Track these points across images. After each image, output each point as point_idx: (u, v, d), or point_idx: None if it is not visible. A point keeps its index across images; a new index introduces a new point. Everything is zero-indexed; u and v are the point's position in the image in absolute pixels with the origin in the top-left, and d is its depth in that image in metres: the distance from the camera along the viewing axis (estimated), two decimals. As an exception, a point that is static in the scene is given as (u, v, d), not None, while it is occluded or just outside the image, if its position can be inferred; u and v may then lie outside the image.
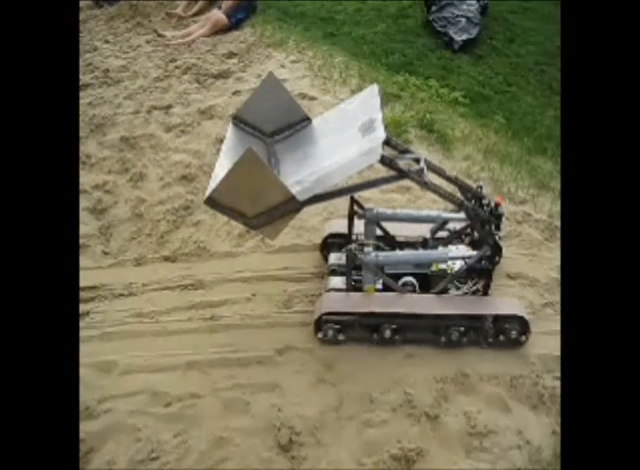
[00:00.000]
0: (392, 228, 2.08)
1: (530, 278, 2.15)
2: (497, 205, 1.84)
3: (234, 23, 4.57)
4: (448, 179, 1.88)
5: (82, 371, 1.83)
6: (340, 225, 2.09)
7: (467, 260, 1.85)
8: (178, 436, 1.61)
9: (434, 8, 4.83)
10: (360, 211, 1.97)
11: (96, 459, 1.58)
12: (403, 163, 1.73)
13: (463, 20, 4.66)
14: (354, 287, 1.90)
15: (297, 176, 1.66)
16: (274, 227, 1.66)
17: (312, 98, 3.40)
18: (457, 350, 1.85)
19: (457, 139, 3.07)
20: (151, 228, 2.41)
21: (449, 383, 1.75)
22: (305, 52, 4.04)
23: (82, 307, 2.06)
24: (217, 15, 4.56)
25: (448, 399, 1.71)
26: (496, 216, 1.84)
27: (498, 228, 1.87)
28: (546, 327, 1.93)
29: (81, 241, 2.36)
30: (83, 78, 3.84)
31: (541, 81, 4.25)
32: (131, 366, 1.83)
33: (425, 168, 1.72)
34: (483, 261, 1.86)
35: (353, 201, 1.97)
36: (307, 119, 1.89)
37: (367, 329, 1.83)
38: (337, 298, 1.87)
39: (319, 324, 1.82)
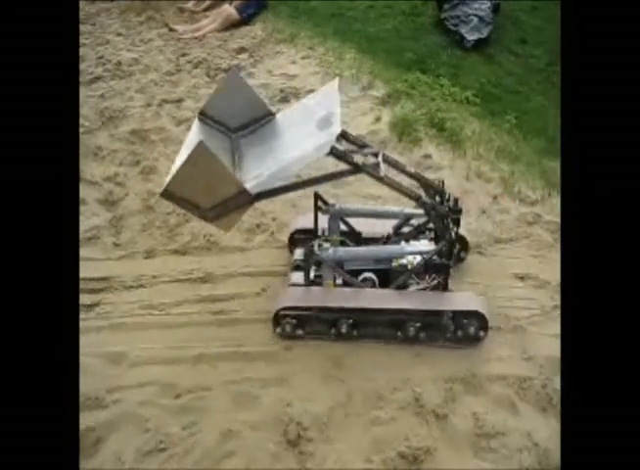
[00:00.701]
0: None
1: (540, 280, 2.14)
2: (457, 200, 1.84)
3: (245, 19, 4.57)
4: (408, 174, 1.88)
5: (92, 361, 1.84)
6: (307, 221, 2.09)
7: (424, 256, 1.86)
8: (187, 428, 1.62)
9: (446, 6, 4.79)
10: (324, 206, 1.97)
11: (104, 449, 1.59)
12: (361, 157, 1.75)
13: (475, 19, 4.63)
14: (317, 282, 1.89)
15: (258, 171, 1.69)
16: (229, 220, 1.69)
17: (323, 94, 3.39)
18: (466, 350, 1.84)
19: (468, 138, 3.05)
20: (161, 221, 2.41)
21: (458, 383, 1.75)
22: (316, 48, 4.03)
23: (92, 298, 2.07)
24: (228, 10, 4.56)
25: (456, 399, 1.71)
26: (455, 212, 1.84)
27: (458, 223, 1.86)
28: (555, 329, 1.92)
29: (92, 232, 2.37)
30: (95, 71, 3.84)
31: (553, 82, 4.22)
32: (141, 357, 1.84)
33: (381, 163, 1.73)
34: (442, 257, 1.85)
35: (317, 197, 1.97)
36: (271, 114, 1.91)
37: (324, 324, 1.83)
38: (294, 293, 1.88)
39: (277, 319, 1.83)
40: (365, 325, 1.83)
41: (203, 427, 1.62)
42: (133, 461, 1.55)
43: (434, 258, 1.86)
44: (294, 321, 1.82)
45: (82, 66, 3.96)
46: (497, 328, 1.93)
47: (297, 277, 1.93)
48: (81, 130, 3.12)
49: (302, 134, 1.74)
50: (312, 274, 1.89)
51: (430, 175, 2.75)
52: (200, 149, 1.52)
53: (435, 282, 1.88)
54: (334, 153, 1.65)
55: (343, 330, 1.81)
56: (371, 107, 3.28)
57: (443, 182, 1.93)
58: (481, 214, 2.48)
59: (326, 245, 1.91)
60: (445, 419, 1.65)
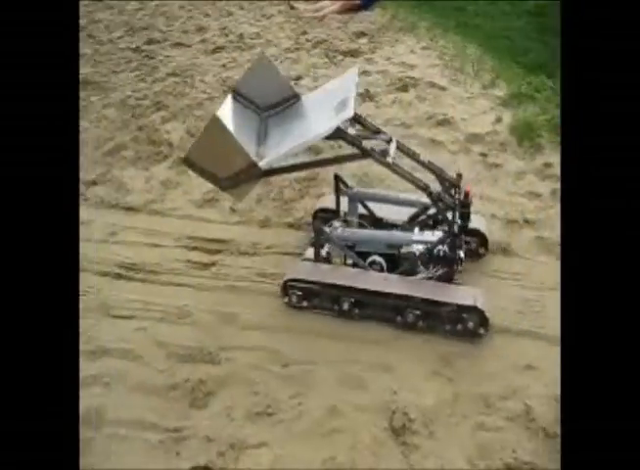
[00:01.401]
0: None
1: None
2: (467, 194, 1.85)
3: (365, 3, 4.49)
4: (422, 164, 1.89)
5: (206, 317, 1.93)
6: (331, 201, 2.15)
7: (428, 245, 1.88)
8: (294, 398, 1.65)
9: (576, 9, 4.52)
10: (343, 188, 2.04)
11: (215, 403, 1.66)
12: (375, 142, 1.81)
13: (609, 25, 4.34)
14: (330, 260, 1.96)
15: (277, 148, 1.78)
16: (241, 190, 1.80)
17: (442, 88, 3.32)
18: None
19: (595, 151, 2.87)
20: (276, 193, 2.46)
21: (572, 403, 1.67)
22: (437, 40, 3.94)
23: (209, 258, 2.16)
24: (350, -7, 4.55)
25: (569, 419, 1.63)
26: (464, 205, 1.85)
27: (467, 217, 1.88)
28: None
29: (211, 195, 2.46)
30: (218, 41, 3.98)
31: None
32: (252, 322, 1.90)
33: (391, 149, 1.77)
34: (447, 248, 1.86)
35: (337, 178, 2.04)
36: (297, 97, 1.99)
37: (327, 299, 1.89)
38: (303, 266, 1.96)
39: (284, 289, 1.91)
40: (366, 306, 1.87)
41: (309, 399, 1.65)
42: (242, 420, 1.60)
43: (439, 248, 1.87)
44: (299, 293, 1.89)
45: (206, 35, 4.11)
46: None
47: (311, 253, 1.99)
48: (204, 96, 3.25)
49: (321, 116, 1.82)
50: (325, 252, 1.96)
51: (550, 186, 2.63)
52: (214, 122, 1.64)
53: (440, 273, 1.89)
54: (341, 136, 1.70)
55: (345, 307, 1.86)
56: (491, 106, 3.16)
57: (461, 175, 1.92)
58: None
59: (335, 224, 1.98)
60: (556, 439, 1.58)
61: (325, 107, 1.83)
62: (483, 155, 2.76)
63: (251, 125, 1.91)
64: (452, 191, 1.89)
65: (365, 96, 3.18)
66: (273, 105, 1.97)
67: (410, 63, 3.61)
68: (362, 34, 4.00)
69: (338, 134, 1.69)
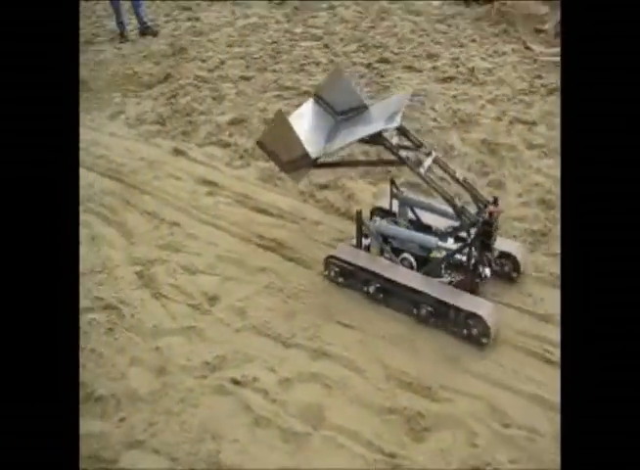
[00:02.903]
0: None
1: None
2: (491, 214, 1.92)
3: (609, 55, 4.25)
4: (457, 181, 2.08)
5: (427, 349, 1.95)
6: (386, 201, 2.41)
7: (448, 252, 2.05)
8: (514, 462, 1.59)
9: None
10: (395, 191, 2.30)
11: (432, 441, 1.66)
12: (412, 153, 2.10)
13: None
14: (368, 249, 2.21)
15: (336, 146, 2.13)
16: (298, 174, 2.22)
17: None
18: None
19: None
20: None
21: None
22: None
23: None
24: (593, 41, 4.30)
25: None
26: (486, 223, 1.92)
27: (489, 235, 1.94)
28: None
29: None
30: (449, 71, 4.01)
31: None
32: (474, 369, 1.86)
33: (425, 161, 2.00)
34: (468, 258, 1.98)
35: (392, 182, 2.30)
36: (365, 107, 2.30)
37: (359, 280, 2.16)
38: (344, 249, 2.25)
39: (326, 264, 2.23)
40: (389, 293, 2.10)
41: (531, 470, 1.57)
42: (458, 467, 1.58)
43: (458, 257, 2.06)
44: (336, 269, 2.21)
45: (437, 63, 4.17)
46: None
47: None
48: (433, 124, 3.29)
49: (375, 125, 2.09)
50: (367, 242, 2.21)
51: None
52: (278, 115, 2.08)
53: (458, 279, 2.04)
54: (380, 142, 2.00)
55: (371, 291, 2.12)
56: None
57: (496, 198, 2.01)
58: None
59: (376, 219, 2.28)
60: None
61: (381, 117, 2.12)
62: None
63: (326, 125, 2.29)
64: (482, 208, 2.02)
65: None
66: (346, 111, 2.31)
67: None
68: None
69: (378, 140, 2.00)
